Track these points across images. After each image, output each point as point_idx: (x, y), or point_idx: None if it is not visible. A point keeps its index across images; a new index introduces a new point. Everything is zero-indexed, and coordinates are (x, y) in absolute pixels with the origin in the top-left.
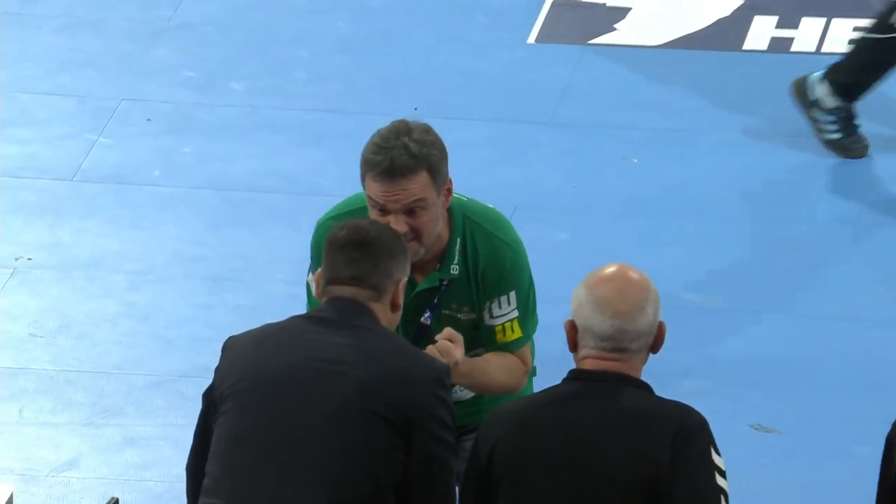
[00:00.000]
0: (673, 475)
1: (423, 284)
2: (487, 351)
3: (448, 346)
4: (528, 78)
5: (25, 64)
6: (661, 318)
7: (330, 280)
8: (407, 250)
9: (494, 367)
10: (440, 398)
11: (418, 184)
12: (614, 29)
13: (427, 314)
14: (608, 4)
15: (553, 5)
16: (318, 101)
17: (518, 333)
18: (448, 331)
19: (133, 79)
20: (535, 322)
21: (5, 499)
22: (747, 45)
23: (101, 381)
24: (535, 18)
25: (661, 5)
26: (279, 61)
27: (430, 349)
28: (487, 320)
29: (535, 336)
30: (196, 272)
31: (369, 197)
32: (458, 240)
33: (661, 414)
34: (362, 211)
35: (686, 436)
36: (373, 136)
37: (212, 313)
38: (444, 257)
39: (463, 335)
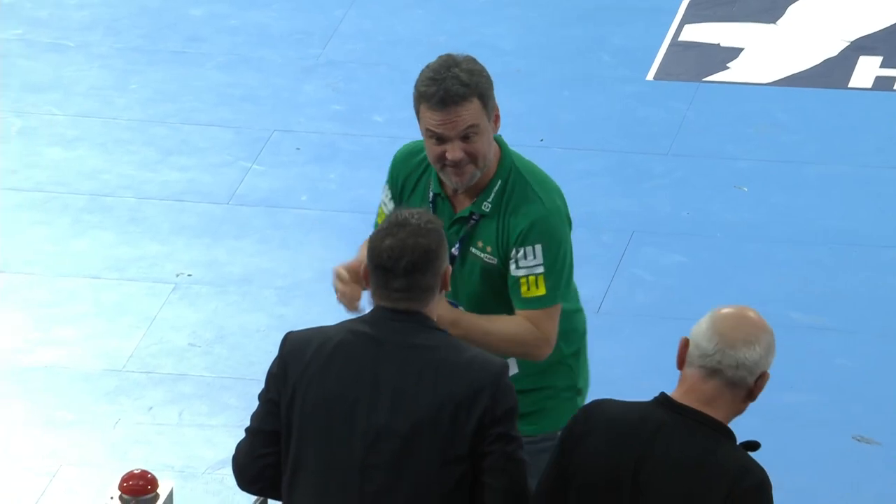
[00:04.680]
0: None
1: (460, 213)
2: (513, 305)
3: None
4: (647, 112)
5: (188, 97)
6: (770, 362)
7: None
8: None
9: (499, 327)
10: (500, 402)
11: (471, 110)
12: (727, 67)
13: (457, 245)
14: (722, 45)
15: (671, 45)
16: None
17: (541, 290)
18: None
19: (285, 111)
20: (565, 294)
21: (167, 493)
22: (852, 83)
23: (252, 387)
24: (655, 57)
25: (772, 46)
26: None
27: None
28: (513, 270)
29: (650, 345)
30: None
31: (426, 129)
32: (500, 182)
33: (718, 468)
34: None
35: (736, 499)
36: (424, 71)
37: None
38: (481, 193)
39: (482, 279)
